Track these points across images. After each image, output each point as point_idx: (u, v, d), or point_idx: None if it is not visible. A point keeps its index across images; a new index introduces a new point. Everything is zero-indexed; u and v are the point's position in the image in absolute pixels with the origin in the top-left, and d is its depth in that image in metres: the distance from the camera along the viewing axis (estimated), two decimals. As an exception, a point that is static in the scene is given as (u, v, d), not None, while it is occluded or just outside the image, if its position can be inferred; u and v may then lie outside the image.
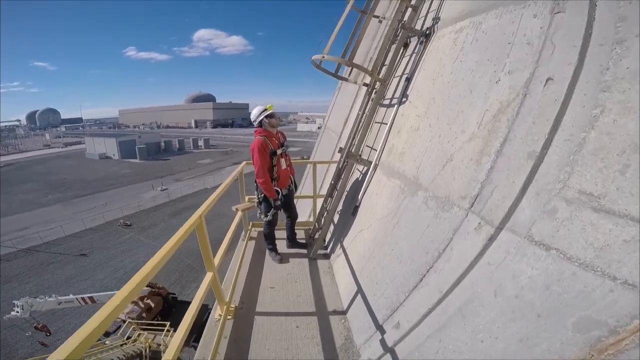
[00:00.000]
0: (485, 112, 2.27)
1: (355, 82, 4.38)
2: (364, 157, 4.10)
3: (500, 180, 2.01)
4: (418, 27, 3.84)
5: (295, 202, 4.64)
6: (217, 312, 3.36)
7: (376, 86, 3.88)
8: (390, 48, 3.85)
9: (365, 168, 4.06)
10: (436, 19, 3.61)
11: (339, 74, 4.44)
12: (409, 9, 3.77)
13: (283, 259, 4.69)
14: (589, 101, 1.70)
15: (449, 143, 2.56)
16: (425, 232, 2.54)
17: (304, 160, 5.45)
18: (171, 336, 14.35)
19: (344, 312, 3.52)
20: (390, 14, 4.29)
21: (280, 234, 5.35)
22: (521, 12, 2.42)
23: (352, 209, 4.11)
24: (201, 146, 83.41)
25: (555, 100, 1.88)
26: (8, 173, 56.83)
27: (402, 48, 3.90)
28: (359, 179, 4.31)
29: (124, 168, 61.24)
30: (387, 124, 3.75)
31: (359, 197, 3.97)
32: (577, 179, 1.57)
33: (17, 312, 14.56)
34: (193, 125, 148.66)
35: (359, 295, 3.28)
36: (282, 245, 5.09)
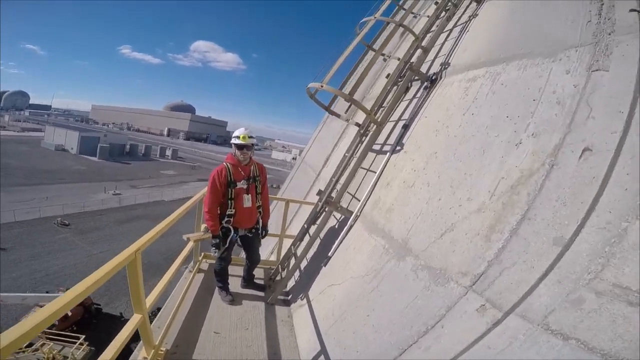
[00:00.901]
0: (501, 181, 1.97)
1: (347, 121, 4.03)
2: (344, 204, 3.65)
3: (512, 261, 1.73)
4: (424, 70, 3.64)
5: (259, 246, 4.01)
6: (141, 354, 2.62)
7: (370, 128, 3.56)
8: (391, 89, 3.59)
9: (344, 217, 3.61)
10: (445, 65, 3.41)
11: (331, 108, 4.10)
12: (419, 50, 3.58)
13: (235, 300, 3.96)
14: (633, 183, 1.45)
15: (451, 210, 2.21)
16: (411, 304, 2.13)
17: (277, 197, 4.90)
18: (83, 350, 13.04)
19: (302, 372, 2.86)
20: (395, 51, 4.11)
21: (236, 270, 4.62)
22: (550, 66, 2.22)
23: (323, 258, 3.58)
24: (168, 156, 79.49)
25: (593, 178, 1.59)
26: (-52, 148, 49.97)
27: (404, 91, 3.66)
28: (336, 227, 3.83)
29: (79, 164, 56.42)
30: (375, 172, 3.37)
31: (334, 247, 3.47)
32: (613, 272, 1.37)
33: None
34: (166, 133, 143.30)
35: (322, 357, 2.71)
36: (235, 284, 4.36)
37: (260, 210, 3.62)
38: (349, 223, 3.33)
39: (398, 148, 3.26)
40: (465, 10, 4.01)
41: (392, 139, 3.46)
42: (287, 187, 9.54)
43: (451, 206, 2.19)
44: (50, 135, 68.97)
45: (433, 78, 3.44)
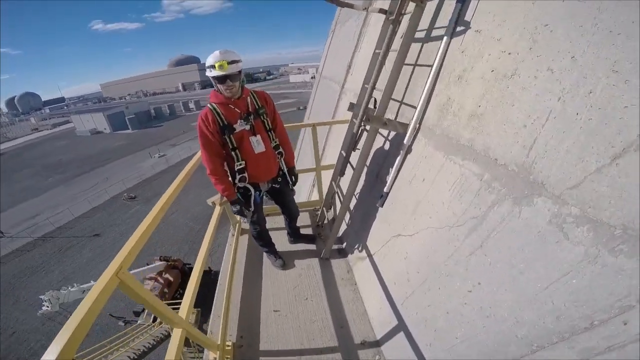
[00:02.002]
0: None
1: (366, 9, 2.64)
2: (392, 116, 2.57)
3: None
4: None
5: (293, 195, 3.18)
6: (211, 355, 2.32)
7: (404, 10, 2.23)
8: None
9: (396, 133, 2.56)
10: None
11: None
12: None
13: (286, 262, 3.41)
14: None
15: (629, 110, 1.08)
16: (558, 281, 1.21)
17: (300, 124, 3.87)
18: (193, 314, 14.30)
19: (377, 344, 2.47)
20: None
21: (279, 221, 4.02)
22: None
23: (378, 195, 2.69)
24: (193, 108, 79.95)
25: None
26: (2, 163, 54.52)
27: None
28: (386, 148, 2.82)
29: (117, 140, 58.80)
30: (430, 65, 2.16)
31: (389, 179, 2.52)
32: None
33: (47, 306, 14.11)
34: (181, 88, 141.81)
35: (402, 333, 2.17)
36: (283, 239, 3.79)
37: (280, 151, 2.70)
38: (405, 141, 2.31)
39: (459, 28, 2.02)
40: None
41: (443, 20, 2.20)
42: (311, 108, 8.41)
43: (628, 103, 1.08)
44: (79, 123, 71.63)
45: None
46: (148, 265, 17.24)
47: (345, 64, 4.96)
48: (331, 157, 4.56)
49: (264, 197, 2.94)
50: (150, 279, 16.51)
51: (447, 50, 2.10)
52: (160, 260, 17.90)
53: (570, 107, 1.27)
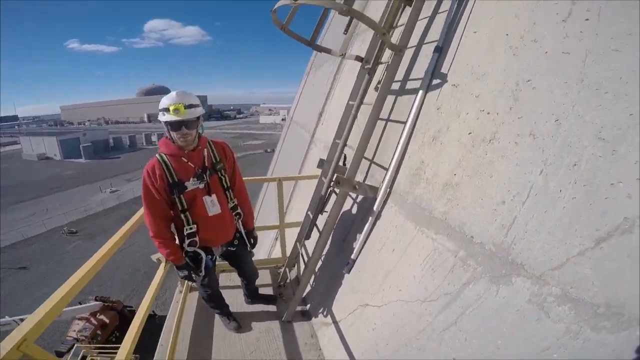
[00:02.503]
0: None
1: (342, 55, 2.66)
2: (361, 176, 2.48)
3: None
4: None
5: (251, 257, 2.88)
6: None
7: (381, 59, 2.27)
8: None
9: (365, 197, 2.46)
10: None
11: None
12: None
13: (242, 325, 3.00)
14: None
15: (619, 187, 1.03)
16: (539, 355, 1.09)
17: (265, 179, 3.66)
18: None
19: None
20: None
21: (234, 278, 3.63)
22: None
23: (345, 260, 2.50)
24: (155, 142, 76.63)
25: None
26: None
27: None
28: (353, 212, 2.69)
29: (67, 169, 54.36)
30: (404, 122, 2.14)
31: (356, 245, 2.36)
32: None
33: None
34: (146, 119, 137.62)
35: None
36: (239, 300, 3.39)
37: (239, 212, 2.38)
38: (375, 207, 2.19)
39: (436, 82, 2.00)
40: None
41: (419, 71, 2.17)
42: (279, 154, 8.28)
43: (615, 180, 1.03)
44: (28, 145, 65.94)
45: None
46: (81, 304, 15.19)
47: (317, 112, 4.94)
48: (297, 212, 4.30)
49: (215, 264, 2.62)
50: (82, 319, 14.50)
51: (422, 105, 2.05)
52: (96, 300, 15.91)
53: (553, 181, 1.20)
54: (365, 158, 2.49)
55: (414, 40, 2.33)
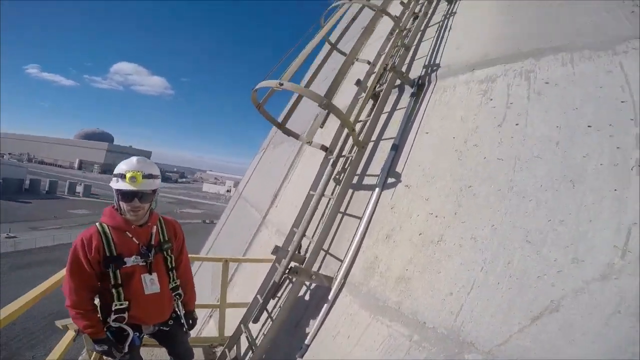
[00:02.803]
0: (632, 228, 1.15)
1: (309, 143, 2.85)
2: (316, 266, 2.44)
3: None
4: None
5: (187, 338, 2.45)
6: None
7: (344, 153, 2.49)
8: (367, 98, 2.61)
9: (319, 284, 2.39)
10: (432, 66, 2.61)
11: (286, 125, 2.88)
12: (401, 50, 2.67)
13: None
14: None
15: (543, 279, 1.27)
16: None
17: (210, 258, 3.36)
18: None
19: None
20: (360, 53, 3.02)
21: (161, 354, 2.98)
22: (615, 59, 1.57)
23: (298, 345, 2.26)
24: (79, 193, 66.89)
25: None
26: None
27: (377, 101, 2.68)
28: (307, 298, 2.56)
29: (-40, 207, 44.47)
30: (357, 217, 2.25)
31: (310, 331, 2.19)
32: None
33: None
34: (77, 165, 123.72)
35: None
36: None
37: (180, 292, 2.10)
38: (330, 296, 2.14)
39: (391, 180, 2.22)
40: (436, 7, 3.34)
41: (376, 167, 2.41)
42: (221, 228, 7.80)
43: (541, 274, 1.27)
44: None
45: (420, 83, 2.58)
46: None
47: (271, 193, 4.82)
48: (239, 292, 3.89)
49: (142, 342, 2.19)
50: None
51: (377, 203, 2.21)
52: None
53: (492, 276, 1.39)
54: (322, 249, 2.50)
55: (373, 134, 2.65)
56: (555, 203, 1.36)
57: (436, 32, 3.09)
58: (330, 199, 2.55)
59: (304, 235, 2.40)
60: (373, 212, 2.19)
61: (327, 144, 2.90)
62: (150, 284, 1.83)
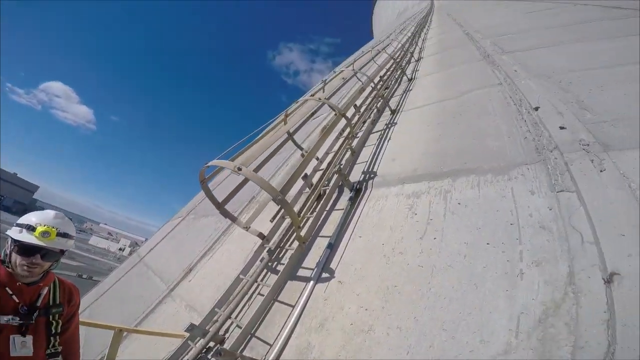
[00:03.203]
0: (521, 316, 1.53)
1: (246, 229, 2.88)
2: (248, 352, 2.27)
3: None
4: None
5: None
6: None
7: (288, 245, 2.57)
8: (310, 197, 2.85)
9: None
10: (370, 173, 3.08)
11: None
12: (347, 152, 3.04)
13: None
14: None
15: (460, 357, 1.53)
16: None
17: (100, 324, 2.72)
18: None
19: None
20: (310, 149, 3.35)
21: None
22: (508, 184, 2.18)
23: None
24: None
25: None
26: None
27: (321, 200, 2.98)
28: None
29: None
30: (290, 305, 2.28)
31: None
32: None
33: None
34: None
35: None
36: None
37: (58, 359, 1.74)
38: None
39: (325, 275, 2.37)
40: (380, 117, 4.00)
41: (312, 262, 2.56)
42: (107, 289, 6.49)
43: (457, 354, 1.52)
44: None
45: (357, 187, 2.99)
46: None
47: (184, 265, 4.44)
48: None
49: None
50: None
51: (311, 294, 2.29)
52: None
53: (417, 357, 1.58)
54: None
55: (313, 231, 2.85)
56: (464, 300, 1.67)
57: (378, 139, 3.78)
58: (260, 285, 2.57)
59: (229, 317, 2.30)
60: (307, 302, 2.25)
61: (262, 230, 3.01)
62: (21, 346, 1.56)
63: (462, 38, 7.37)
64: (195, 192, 9.00)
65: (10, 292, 1.53)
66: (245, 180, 3.12)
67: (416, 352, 1.59)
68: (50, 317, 1.68)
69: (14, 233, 1.53)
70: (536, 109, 2.82)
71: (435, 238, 2.06)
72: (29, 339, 1.58)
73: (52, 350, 1.70)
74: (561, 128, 2.42)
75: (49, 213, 1.62)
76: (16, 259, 1.52)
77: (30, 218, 1.57)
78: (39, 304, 1.63)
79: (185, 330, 2.21)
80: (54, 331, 1.70)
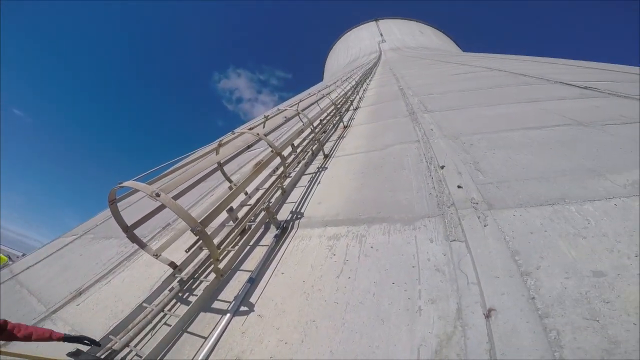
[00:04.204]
0: (421, 347, 1.70)
1: (156, 256, 2.62)
2: None
3: None
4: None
5: None
6: None
7: (203, 277, 2.43)
8: (234, 230, 2.79)
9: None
10: (297, 214, 3.20)
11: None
12: (278, 191, 3.05)
13: None
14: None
15: None
16: None
17: None
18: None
19: None
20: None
21: None
22: (413, 234, 2.47)
23: None
24: None
25: (511, 329, 1.63)
26: None
27: (245, 235, 2.94)
28: None
29: None
30: (203, 337, 2.13)
31: None
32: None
33: None
34: None
35: None
36: None
37: None
38: None
39: (244, 308, 2.31)
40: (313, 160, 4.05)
41: (230, 295, 2.49)
42: None
43: None
44: None
45: (284, 226, 3.08)
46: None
47: (72, 288, 3.73)
48: None
49: None
50: None
51: (227, 326, 2.21)
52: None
53: None
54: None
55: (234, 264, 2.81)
56: (372, 334, 1.81)
57: (308, 181, 3.95)
58: (167, 315, 2.42)
59: (127, 345, 2.11)
60: (221, 334, 2.15)
61: (175, 259, 2.83)
62: None
63: (397, 93, 8.32)
64: (98, 210, 7.99)
65: None
66: (162, 206, 2.94)
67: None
68: None
69: None
70: (442, 167, 3.30)
71: (349, 277, 2.23)
72: None
73: None
74: (459, 187, 2.85)
75: None
76: None
77: None
78: None
79: (67, 355, 1.90)
80: None
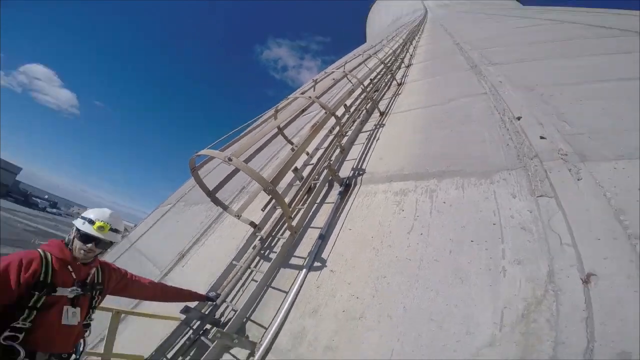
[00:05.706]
0: (504, 310, 1.56)
1: (238, 217, 2.82)
2: (235, 328, 2.29)
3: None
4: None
5: None
6: None
7: (279, 234, 2.55)
8: (302, 189, 2.83)
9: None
10: (359, 170, 3.08)
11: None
12: (337, 149, 3.03)
13: None
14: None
15: (447, 347, 1.56)
16: None
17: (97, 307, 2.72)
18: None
19: None
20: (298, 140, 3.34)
21: None
22: (491, 188, 2.24)
23: None
24: None
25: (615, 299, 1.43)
26: None
27: (311, 193, 2.96)
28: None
29: None
30: (284, 291, 2.27)
31: None
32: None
33: None
34: None
35: None
36: None
37: (89, 328, 2.12)
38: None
39: (317, 264, 2.37)
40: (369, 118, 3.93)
41: (304, 251, 2.56)
42: None
43: (444, 343, 1.55)
44: None
45: (347, 183, 3.00)
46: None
47: (177, 251, 4.41)
48: (127, 345, 3.25)
49: None
50: None
51: (304, 282, 2.30)
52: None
53: (407, 346, 1.60)
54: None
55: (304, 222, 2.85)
56: (450, 293, 1.71)
57: (366, 139, 3.78)
58: (253, 271, 2.59)
59: (223, 300, 2.35)
60: (300, 289, 2.26)
61: (253, 219, 2.98)
62: (72, 315, 1.91)
63: (452, 48, 7.46)
64: (183, 180, 8.77)
65: (71, 269, 1.84)
66: (236, 171, 3.09)
67: (406, 340, 1.62)
68: (93, 292, 2.01)
69: (78, 223, 1.87)
70: (518, 118, 2.89)
71: (421, 234, 2.09)
72: (78, 310, 1.90)
73: (88, 321, 2.09)
74: (541, 138, 2.49)
75: (106, 211, 1.95)
76: (77, 244, 1.85)
77: (91, 212, 1.93)
78: (88, 281, 1.94)
79: (180, 312, 2.20)
80: (93, 305, 2.07)
